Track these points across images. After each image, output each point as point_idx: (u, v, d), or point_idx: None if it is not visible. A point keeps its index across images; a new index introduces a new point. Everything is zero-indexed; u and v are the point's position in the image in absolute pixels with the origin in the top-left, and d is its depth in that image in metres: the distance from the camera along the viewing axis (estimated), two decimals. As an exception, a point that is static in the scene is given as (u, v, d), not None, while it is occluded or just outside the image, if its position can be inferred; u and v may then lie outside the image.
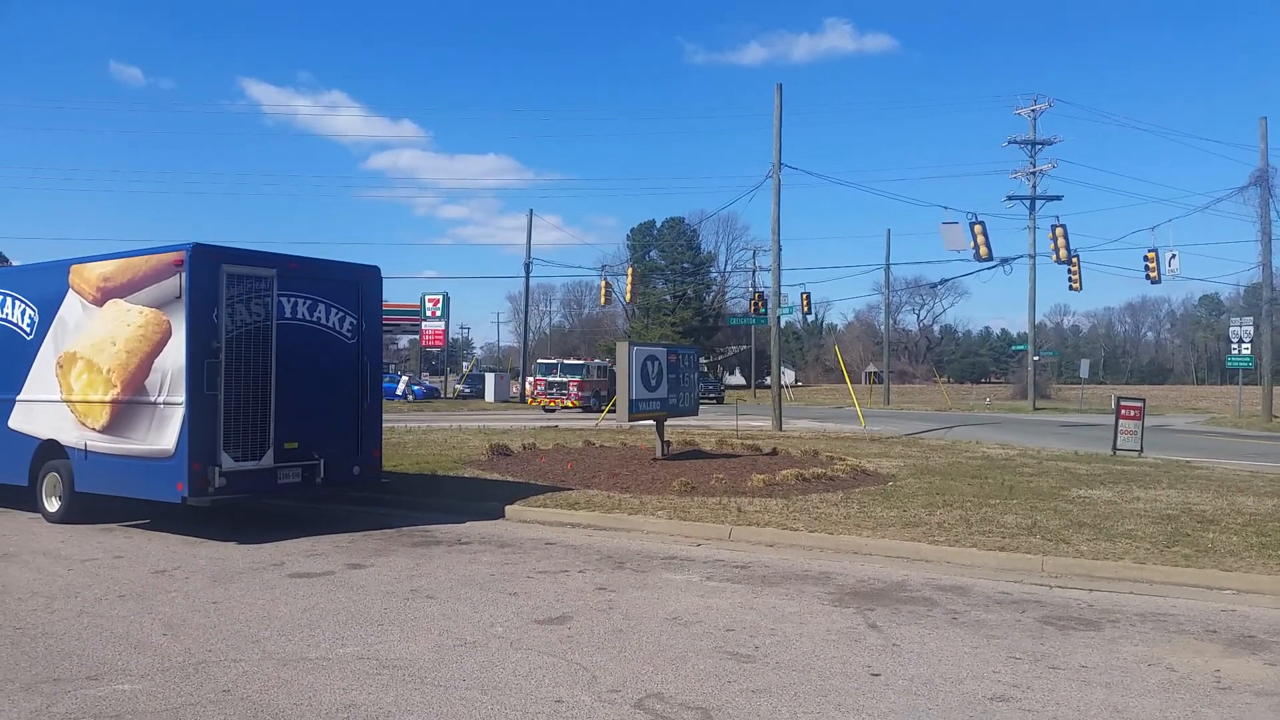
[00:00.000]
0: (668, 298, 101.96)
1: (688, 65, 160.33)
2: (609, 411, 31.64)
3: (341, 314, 11.40)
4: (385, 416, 12.59)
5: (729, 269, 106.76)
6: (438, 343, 60.53)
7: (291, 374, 10.63)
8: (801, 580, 8.40)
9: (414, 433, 23.87)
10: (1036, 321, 56.19)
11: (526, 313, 61.34)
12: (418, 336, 63.45)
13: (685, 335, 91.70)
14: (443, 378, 67.55)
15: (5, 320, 12.15)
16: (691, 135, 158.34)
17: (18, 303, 12.03)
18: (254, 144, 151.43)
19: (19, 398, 11.83)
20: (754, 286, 73.67)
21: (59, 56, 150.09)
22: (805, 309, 45.02)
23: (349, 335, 11.49)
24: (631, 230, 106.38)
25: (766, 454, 17.68)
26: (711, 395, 56.17)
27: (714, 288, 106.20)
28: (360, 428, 11.55)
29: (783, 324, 31.11)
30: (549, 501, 12.22)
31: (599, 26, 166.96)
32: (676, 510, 11.47)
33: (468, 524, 11.37)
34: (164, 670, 5.71)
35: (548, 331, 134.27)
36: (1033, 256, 51.48)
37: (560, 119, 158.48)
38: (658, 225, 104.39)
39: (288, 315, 10.77)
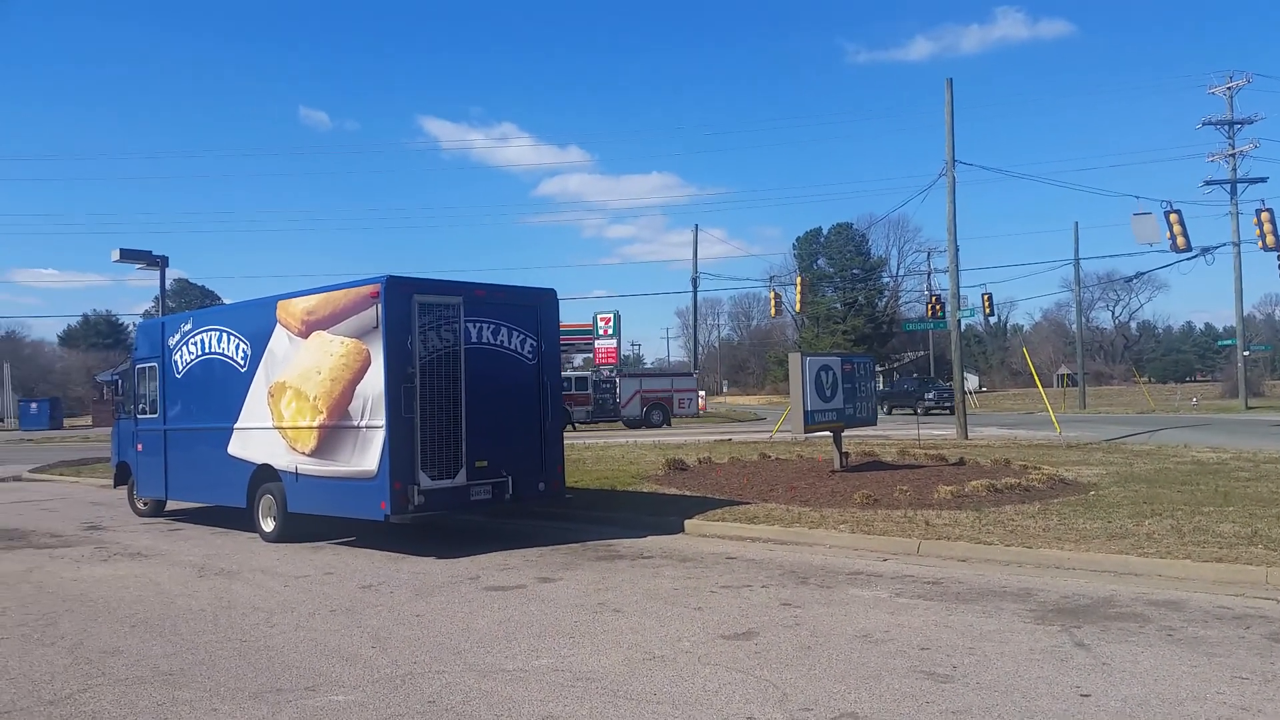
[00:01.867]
0: (838, 305, 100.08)
1: (849, 66, 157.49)
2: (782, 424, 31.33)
3: (522, 336, 11.80)
4: (564, 434, 12.91)
5: (902, 273, 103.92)
6: (610, 360, 61.65)
7: (479, 396, 11.10)
8: (999, 597, 8.01)
9: (592, 449, 24.38)
10: (1245, 313, 51.84)
11: (695, 327, 61.71)
12: (591, 355, 64.88)
13: (858, 343, 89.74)
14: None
15: (222, 354, 13.23)
16: (856, 138, 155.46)
17: (232, 337, 13.09)
18: (434, 178, 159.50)
19: (236, 426, 12.85)
20: (930, 289, 71.41)
21: (253, 105, 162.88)
22: (987, 310, 43.09)
23: (530, 357, 11.88)
24: (798, 239, 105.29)
25: (953, 464, 17.03)
26: (947, 404, 49.83)
27: (886, 293, 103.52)
28: (543, 445, 11.90)
29: (963, 327, 29.87)
30: (727, 515, 12.19)
31: (756, 35, 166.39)
32: (859, 524, 11.20)
33: (648, 538, 11.49)
34: (374, 681, 6.03)
35: (716, 345, 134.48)
36: (1237, 244, 47.55)
37: (722, 132, 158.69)
38: (824, 232, 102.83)
39: (474, 340, 11.25)
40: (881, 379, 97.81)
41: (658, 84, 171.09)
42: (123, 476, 16.13)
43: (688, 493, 14.67)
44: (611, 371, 53.98)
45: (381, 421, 10.47)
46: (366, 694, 5.76)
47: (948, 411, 48.54)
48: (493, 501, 11.39)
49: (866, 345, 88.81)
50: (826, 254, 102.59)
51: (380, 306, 10.55)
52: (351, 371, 10.91)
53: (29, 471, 25.39)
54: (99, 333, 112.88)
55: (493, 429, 11.26)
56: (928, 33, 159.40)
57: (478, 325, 11.33)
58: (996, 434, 29.34)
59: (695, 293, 56.51)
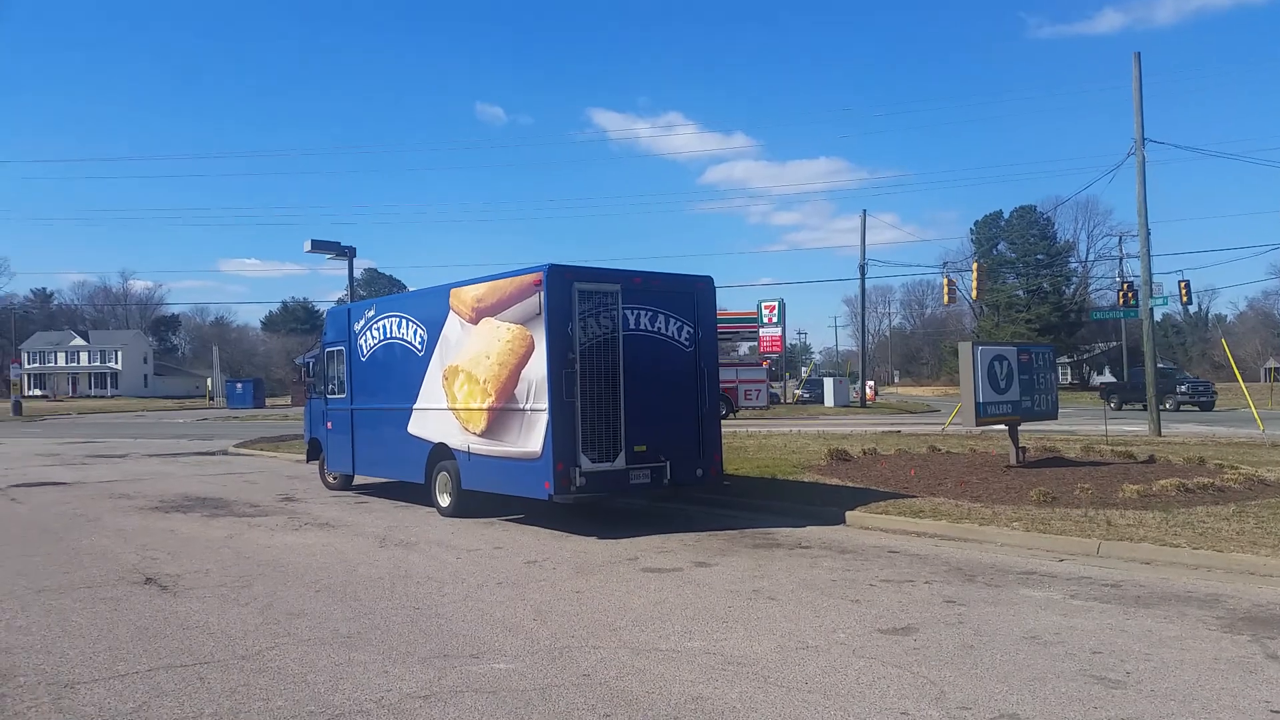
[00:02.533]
0: (1020, 293, 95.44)
1: (1031, 40, 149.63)
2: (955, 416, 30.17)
3: (679, 323, 11.89)
4: (725, 422, 12.93)
5: (1091, 259, 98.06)
6: (775, 349, 61.09)
7: (637, 382, 11.28)
8: (1183, 602, 7.49)
9: (754, 437, 24.29)
10: None
11: (863, 315, 60.25)
12: (755, 343, 64.48)
13: (1042, 333, 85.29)
14: (781, 383, 68.13)
15: (401, 339, 13.98)
16: (1039, 116, 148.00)
17: (410, 323, 13.80)
18: (602, 168, 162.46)
19: (414, 406, 13.55)
20: (1121, 276, 66.97)
21: (434, 103, 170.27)
22: (1184, 299, 39.92)
23: (687, 344, 11.96)
24: (976, 223, 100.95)
25: (1141, 462, 15.97)
26: (1202, 398, 44.47)
27: (1074, 280, 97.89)
28: (701, 432, 11.97)
29: (1158, 316, 27.91)
30: (891, 508, 11.90)
31: (930, 10, 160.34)
32: (1034, 522, 10.69)
33: (807, 528, 11.37)
34: (533, 652, 6.27)
35: (888, 334, 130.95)
36: None
37: (893, 113, 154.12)
38: (1005, 215, 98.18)
39: (632, 327, 11.43)
40: (1106, 371, 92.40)
41: (825, 66, 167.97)
42: (314, 452, 17.32)
43: (850, 484, 14.40)
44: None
45: (545, 405, 10.81)
46: (526, 664, 5.99)
47: (1199, 408, 43.99)
48: (651, 486, 11.56)
49: (1052, 335, 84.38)
50: (1007, 238, 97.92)
51: (542, 294, 10.88)
52: (517, 356, 11.31)
53: (234, 446, 27.62)
54: (297, 318, 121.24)
55: (651, 415, 11.42)
56: (1117, 3, 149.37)
57: (635, 312, 11.50)
58: (1193, 431, 27.30)
59: (863, 280, 55.15)
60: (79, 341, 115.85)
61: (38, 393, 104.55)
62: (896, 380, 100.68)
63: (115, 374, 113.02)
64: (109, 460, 24.03)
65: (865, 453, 17.67)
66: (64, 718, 5.04)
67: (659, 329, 11.75)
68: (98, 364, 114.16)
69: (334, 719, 5.02)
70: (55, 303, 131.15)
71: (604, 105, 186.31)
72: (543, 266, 11.02)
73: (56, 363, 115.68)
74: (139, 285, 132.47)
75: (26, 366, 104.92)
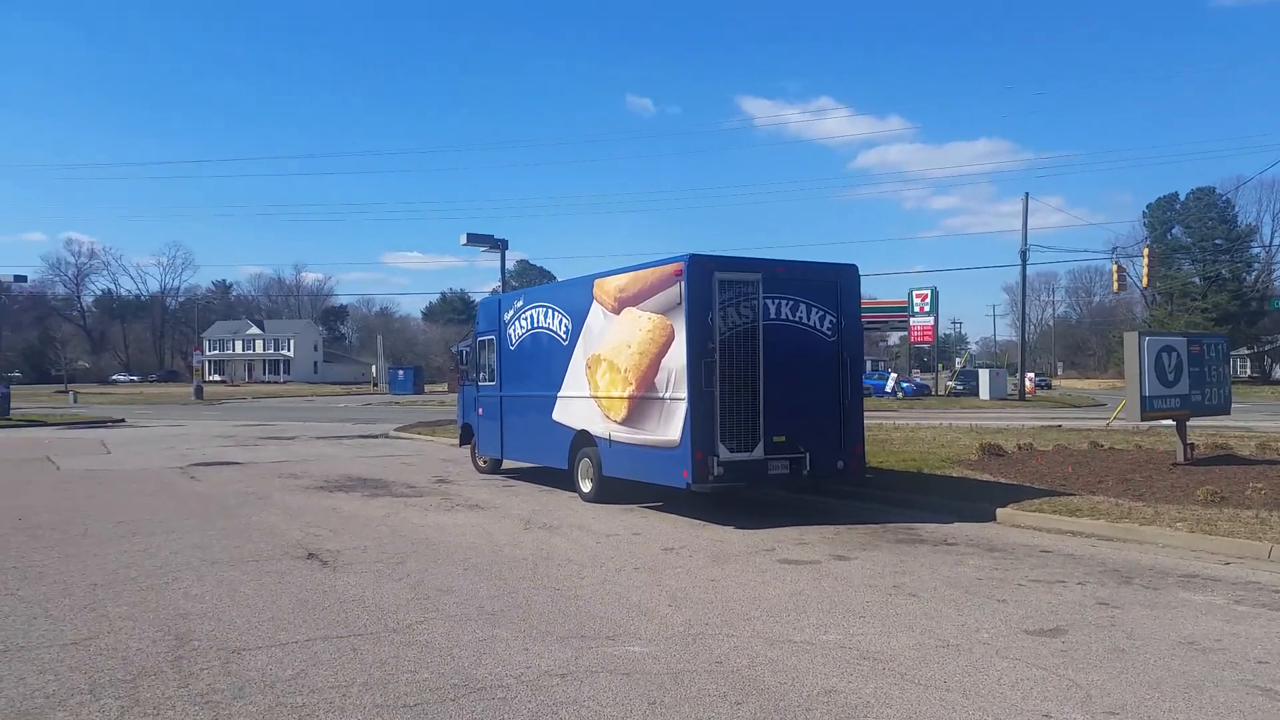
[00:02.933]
0: (1196, 280, 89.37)
1: (1211, 10, 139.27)
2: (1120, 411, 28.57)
3: (822, 313, 11.74)
4: (872, 413, 12.72)
5: (1276, 243, 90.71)
6: (926, 339, 59.36)
7: (777, 371, 11.21)
8: (1369, 614, 6.91)
9: (901, 430, 23.70)
10: None
11: (1024, 304, 57.66)
12: (906, 333, 62.75)
13: (1219, 323, 79.63)
14: (933, 374, 66.09)
15: (547, 329, 14.35)
16: (1219, 89, 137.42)
17: (556, 313, 14.14)
18: (750, 156, 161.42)
19: (559, 394, 13.90)
20: (1311, 261, 61.71)
21: (584, 97, 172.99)
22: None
23: (829, 333, 11.79)
24: (1149, 206, 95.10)
25: (1327, 461, 14.74)
26: None
27: (1256, 266, 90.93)
28: (842, 423, 11.79)
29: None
30: (1045, 506, 11.41)
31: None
32: (1200, 523, 10.05)
33: (954, 525, 11.04)
34: (668, 637, 6.36)
35: (1050, 323, 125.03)
36: None
37: (1059, 91, 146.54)
38: (1181, 198, 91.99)
39: (773, 316, 11.36)
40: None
41: (985, 43, 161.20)
42: (466, 437, 18.01)
43: (1002, 480, 13.88)
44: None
45: (684, 394, 10.89)
46: (660, 648, 6.09)
47: None
48: (790, 476, 11.48)
49: (1230, 325, 78.69)
50: (1183, 222, 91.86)
51: (683, 284, 10.94)
52: (657, 345, 11.43)
53: (394, 430, 28.98)
54: (454, 309, 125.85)
55: (791, 405, 11.33)
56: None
57: (776, 301, 11.42)
58: (1394, 430, 24.96)
59: (1024, 266, 52.72)
60: (255, 330, 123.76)
61: (217, 378, 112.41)
62: (1059, 372, 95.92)
63: (287, 361, 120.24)
64: (279, 442, 25.65)
65: (1020, 448, 16.98)
66: (231, 681, 5.45)
67: (800, 318, 11.63)
68: (271, 351, 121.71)
69: (476, 692, 5.24)
70: (234, 294, 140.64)
71: (752, 92, 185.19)
72: (683, 256, 11.09)
73: (234, 350, 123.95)
74: (310, 277, 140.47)
75: (207, 353, 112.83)
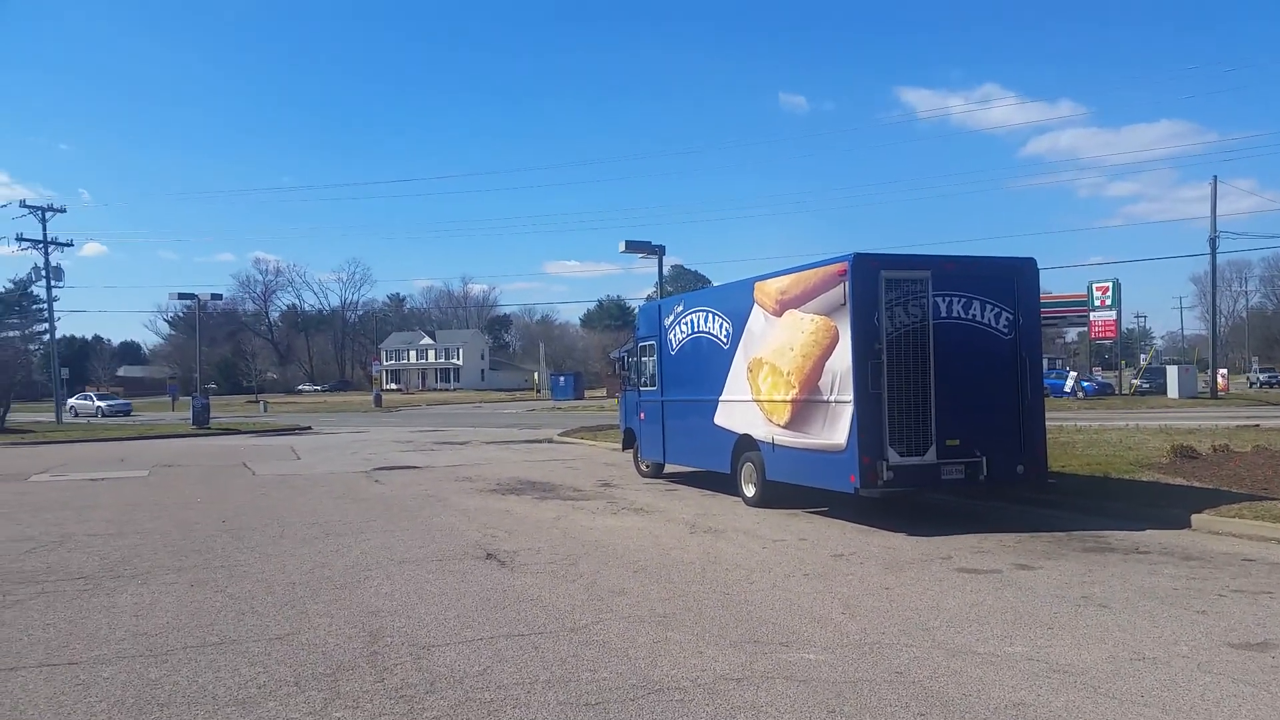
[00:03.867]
0: None
1: None
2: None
3: (997, 310, 11.28)
4: (1052, 415, 12.12)
5: None
6: (1108, 334, 56.00)
7: (949, 372, 10.84)
8: None
9: (1084, 432, 22.47)
10: None
11: (1214, 295, 53.62)
12: (1086, 328, 59.42)
13: None
14: (1116, 372, 62.33)
15: (708, 333, 14.37)
16: None
17: (716, 317, 14.15)
18: (911, 150, 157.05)
19: (720, 398, 13.90)
20: None
21: (737, 98, 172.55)
22: None
23: (1005, 331, 11.31)
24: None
25: None
26: None
27: None
28: (1021, 426, 11.28)
29: None
30: (1246, 512, 10.58)
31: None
32: None
33: (1146, 532, 10.38)
34: (842, 645, 6.25)
35: (1244, 315, 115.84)
36: None
37: (1249, 67, 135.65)
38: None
39: (943, 314, 10.99)
40: None
41: (1160, 19, 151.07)
42: (628, 442, 18.27)
43: (1196, 484, 12.96)
44: None
45: (849, 397, 10.68)
46: (835, 656, 6.00)
47: None
48: (965, 482, 11.06)
49: None
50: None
51: (847, 284, 10.74)
52: (821, 348, 11.26)
53: (558, 435, 29.72)
54: (611, 315, 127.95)
55: (965, 407, 10.93)
56: None
57: (947, 299, 11.05)
58: None
59: (1214, 255, 49.03)
60: (427, 340, 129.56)
61: (393, 386, 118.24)
62: (1255, 367, 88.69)
63: (457, 369, 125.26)
64: (452, 447, 26.74)
65: (1215, 449, 15.79)
66: (423, 676, 5.71)
67: (974, 316, 11.21)
68: (442, 360, 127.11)
69: (654, 693, 5.31)
70: (407, 306, 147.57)
71: (912, 83, 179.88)
72: (847, 256, 10.89)
73: (408, 360, 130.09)
74: (477, 289, 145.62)
75: (384, 363, 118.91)
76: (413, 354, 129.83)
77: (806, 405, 11.59)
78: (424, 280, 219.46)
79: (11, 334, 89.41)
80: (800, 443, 11.75)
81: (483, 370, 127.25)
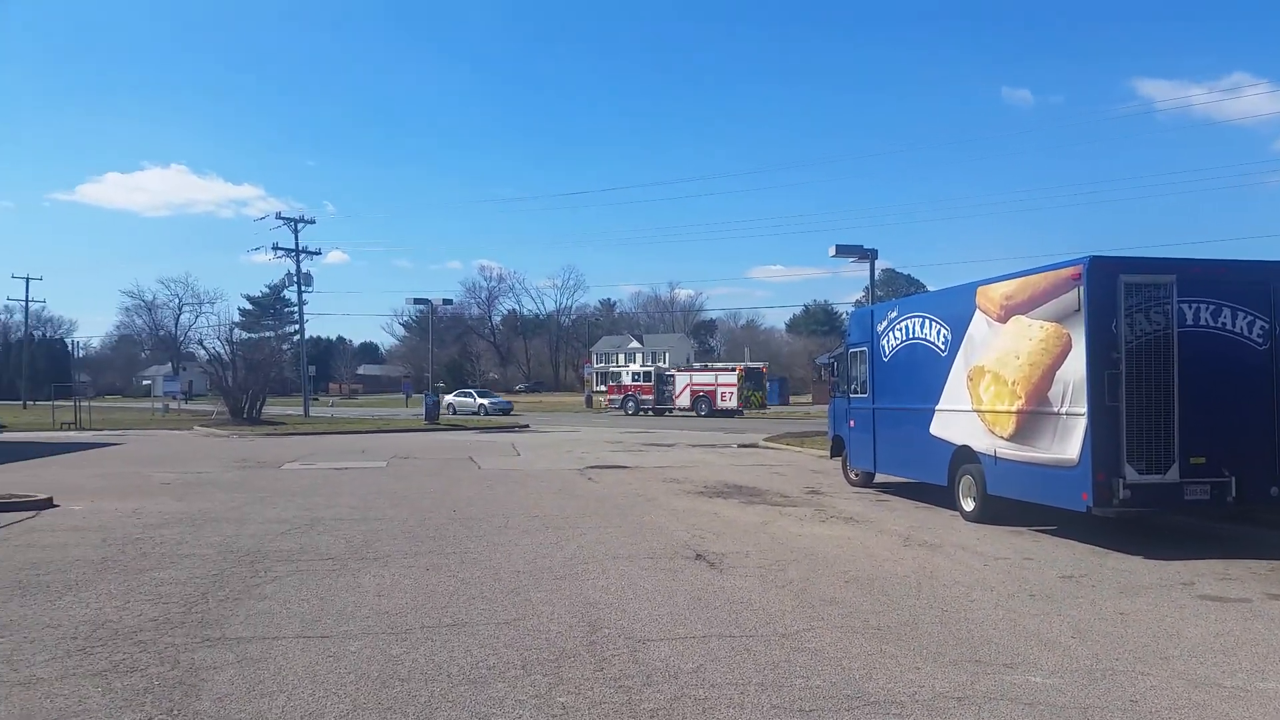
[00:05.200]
0: None
1: None
2: None
3: (1250, 318, 10.32)
4: None
5: None
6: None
7: (1195, 384, 10.01)
8: None
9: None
10: None
11: None
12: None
13: None
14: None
15: (924, 339, 13.95)
16: None
17: (933, 323, 13.71)
18: (1148, 144, 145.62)
19: (937, 407, 13.45)
20: None
21: (956, 95, 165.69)
22: None
23: (1259, 341, 10.33)
24: None
25: None
26: None
27: None
28: (1276, 445, 10.26)
29: None
30: None
31: None
32: None
33: None
34: (1072, 670, 5.93)
35: None
36: None
37: None
38: None
39: (1189, 322, 10.17)
40: None
41: None
42: (837, 449, 18.00)
43: None
44: (666, 368, 61.91)
45: (1082, 409, 10.08)
46: (1064, 680, 5.71)
47: None
48: (1211, 504, 10.16)
49: None
50: None
51: (1082, 289, 10.14)
52: (1051, 356, 10.69)
53: (763, 440, 29.65)
54: (817, 320, 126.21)
55: (1213, 423, 10.06)
56: None
57: (1194, 306, 10.20)
58: None
59: None
60: (635, 344, 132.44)
61: (602, 388, 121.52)
62: None
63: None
64: (660, 448, 27.25)
65: None
66: (639, 669, 5.90)
67: (1224, 324, 10.31)
68: (649, 364, 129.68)
69: (869, 705, 5.24)
70: (617, 311, 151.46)
71: (1149, 73, 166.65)
72: (1082, 259, 10.28)
73: (618, 363, 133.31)
74: (683, 293, 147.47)
75: (595, 366, 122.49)
76: (621, 357, 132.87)
77: (1034, 417, 11.02)
78: (633, 285, 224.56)
79: (267, 334, 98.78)
80: (1026, 456, 11.19)
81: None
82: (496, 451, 26.19)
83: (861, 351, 16.27)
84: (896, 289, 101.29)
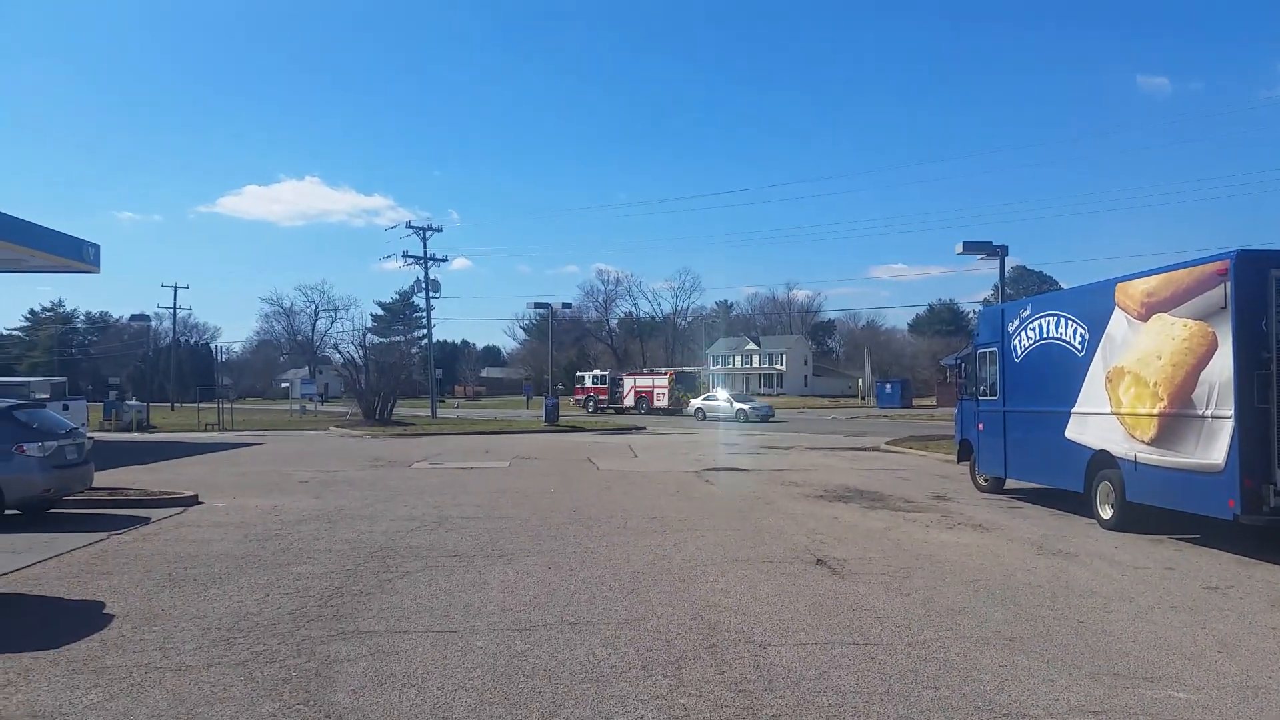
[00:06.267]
0: None
1: None
2: None
3: None
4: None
5: None
6: None
7: None
8: None
9: None
10: None
11: None
12: None
13: None
14: None
15: (1059, 339, 13.39)
16: None
17: (1069, 322, 13.15)
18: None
19: (1073, 410, 12.89)
20: None
21: (1088, 85, 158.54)
22: None
23: None
24: None
25: None
26: None
27: None
28: None
29: None
30: None
31: None
32: None
33: None
34: (1218, 686, 5.61)
35: None
36: None
37: None
38: None
39: (1347, 319, 9.48)
40: None
41: None
42: (964, 453, 17.46)
43: None
44: (616, 372, 68.54)
45: (1229, 411, 9.51)
46: (1210, 697, 5.41)
47: None
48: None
49: None
50: None
51: (1228, 285, 9.57)
52: (1194, 356, 10.12)
53: (885, 444, 29.04)
54: (942, 320, 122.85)
55: None
56: None
57: (1354, 301, 9.50)
58: None
59: None
60: (752, 346, 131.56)
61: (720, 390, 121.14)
62: None
63: (780, 374, 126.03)
64: (777, 451, 26.99)
65: None
66: (760, 673, 5.85)
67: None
68: (766, 366, 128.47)
69: (1001, 717, 5.07)
70: (734, 313, 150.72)
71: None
72: (1229, 253, 9.71)
73: (734, 365, 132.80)
74: (800, 294, 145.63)
75: (711, 368, 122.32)
76: (738, 359, 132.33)
77: (1177, 420, 10.46)
78: (749, 287, 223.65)
79: (397, 339, 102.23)
80: (1168, 461, 10.63)
81: (805, 376, 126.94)
82: (614, 453, 26.43)
83: (991, 352, 15.75)
84: (1027, 287, 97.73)
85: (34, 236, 32.17)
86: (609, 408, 64.37)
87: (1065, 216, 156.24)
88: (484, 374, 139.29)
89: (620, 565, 9.43)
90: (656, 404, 62.17)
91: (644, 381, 65.45)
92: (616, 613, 7.45)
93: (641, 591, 8.22)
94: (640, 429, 41.80)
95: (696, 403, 57.66)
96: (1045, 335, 13.81)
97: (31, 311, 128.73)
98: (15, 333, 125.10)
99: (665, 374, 67.28)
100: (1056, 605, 7.81)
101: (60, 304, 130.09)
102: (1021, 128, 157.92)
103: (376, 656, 6.22)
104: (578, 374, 75.75)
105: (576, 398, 69.61)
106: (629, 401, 63.57)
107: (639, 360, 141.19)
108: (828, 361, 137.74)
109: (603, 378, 68.65)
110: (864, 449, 28.01)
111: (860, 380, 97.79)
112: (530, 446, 29.38)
